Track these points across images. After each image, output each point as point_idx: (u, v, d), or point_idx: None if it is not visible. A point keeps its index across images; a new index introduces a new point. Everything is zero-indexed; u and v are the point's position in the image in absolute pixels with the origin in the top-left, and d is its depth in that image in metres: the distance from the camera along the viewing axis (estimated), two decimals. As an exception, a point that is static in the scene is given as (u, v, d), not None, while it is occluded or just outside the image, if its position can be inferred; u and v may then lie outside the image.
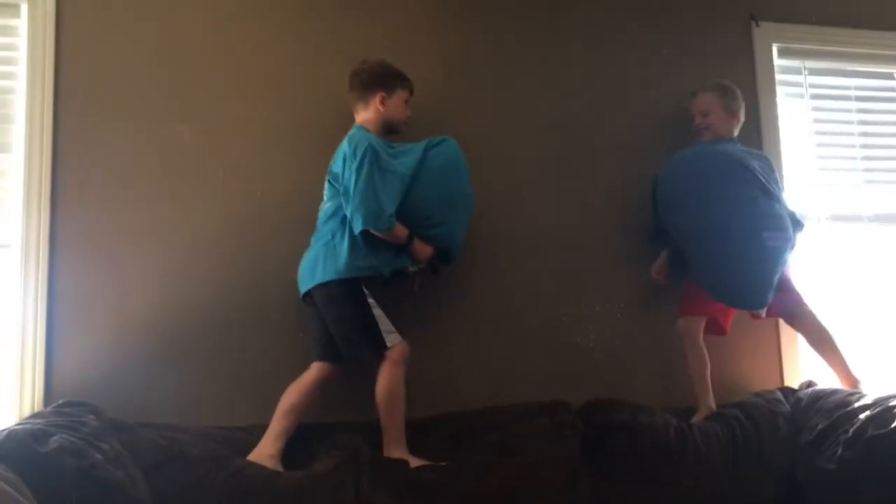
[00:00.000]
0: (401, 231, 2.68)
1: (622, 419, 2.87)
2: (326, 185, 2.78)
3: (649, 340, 3.21)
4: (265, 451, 2.59)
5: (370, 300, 2.65)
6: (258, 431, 2.65)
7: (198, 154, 2.89)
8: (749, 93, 3.40)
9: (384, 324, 2.65)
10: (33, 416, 2.46)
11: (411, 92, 2.88)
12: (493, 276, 3.12)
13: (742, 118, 3.19)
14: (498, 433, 2.79)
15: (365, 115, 2.83)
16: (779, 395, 3.09)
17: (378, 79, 2.83)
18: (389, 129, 2.86)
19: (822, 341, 3.08)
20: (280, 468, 2.57)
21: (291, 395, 2.66)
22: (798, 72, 3.61)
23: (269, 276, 2.88)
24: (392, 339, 2.65)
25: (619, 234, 3.25)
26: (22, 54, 2.76)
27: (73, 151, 2.78)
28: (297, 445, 2.66)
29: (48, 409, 2.48)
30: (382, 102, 2.81)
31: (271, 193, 2.94)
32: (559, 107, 3.26)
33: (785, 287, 3.03)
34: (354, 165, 2.62)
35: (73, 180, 2.77)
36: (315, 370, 2.69)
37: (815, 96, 3.63)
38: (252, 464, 2.54)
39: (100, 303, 2.77)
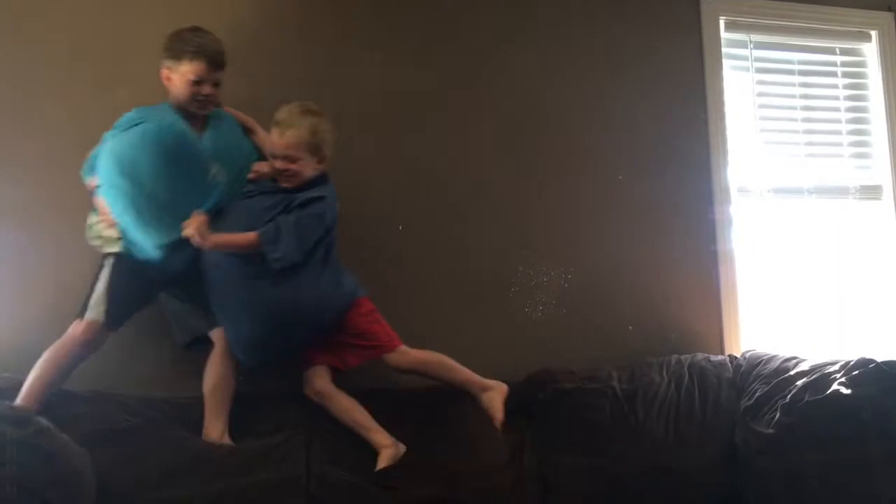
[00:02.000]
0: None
1: (563, 389, 2.89)
2: None
3: (591, 310, 3.25)
4: (210, 435, 2.56)
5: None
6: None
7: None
8: (696, 66, 3.44)
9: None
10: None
11: (203, 59, 2.47)
12: (435, 244, 3.12)
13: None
14: (439, 406, 2.80)
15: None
16: (726, 359, 3.14)
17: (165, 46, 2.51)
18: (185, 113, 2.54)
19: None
20: (228, 441, 2.56)
21: (208, 377, 2.63)
22: (744, 45, 3.65)
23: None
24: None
25: (567, 203, 3.28)
26: None
27: None
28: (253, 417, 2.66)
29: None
30: (168, 77, 2.52)
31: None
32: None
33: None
34: None
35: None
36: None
37: (759, 70, 3.68)
38: (196, 436, 2.52)
39: (37, 274, 2.71)
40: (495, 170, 3.22)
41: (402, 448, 2.64)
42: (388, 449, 2.62)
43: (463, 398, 2.79)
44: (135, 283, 2.50)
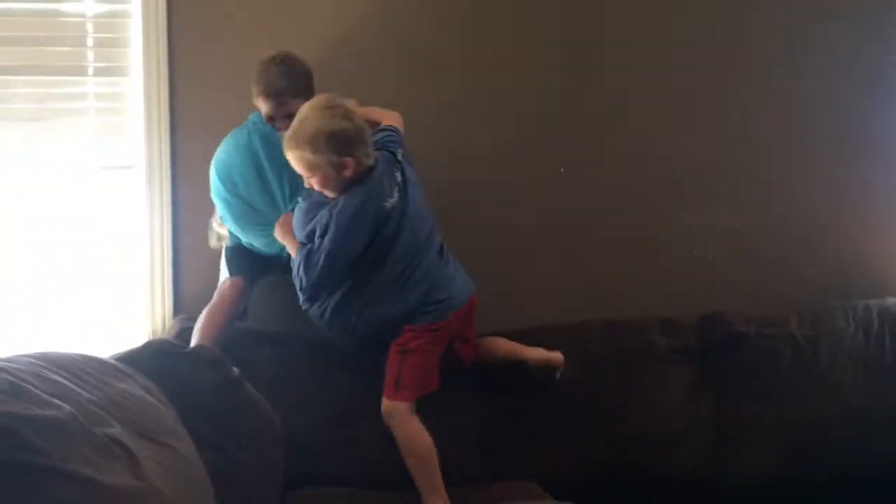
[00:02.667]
0: None
1: (741, 332, 2.81)
2: None
3: (766, 253, 3.11)
4: None
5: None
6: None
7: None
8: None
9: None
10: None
11: (269, 98, 2.45)
12: (600, 188, 3.04)
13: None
14: (614, 347, 2.77)
15: None
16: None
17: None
18: None
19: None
20: None
21: None
22: None
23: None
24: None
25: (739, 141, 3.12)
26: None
27: (189, 74, 2.79)
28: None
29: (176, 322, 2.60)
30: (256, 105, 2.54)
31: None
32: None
33: None
34: None
35: (191, 103, 2.78)
36: None
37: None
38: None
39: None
40: (660, 108, 3.07)
41: None
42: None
43: (641, 336, 2.79)
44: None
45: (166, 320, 2.74)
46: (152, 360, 2.04)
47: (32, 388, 1.50)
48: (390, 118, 2.57)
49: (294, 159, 2.33)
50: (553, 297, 2.96)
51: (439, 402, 2.56)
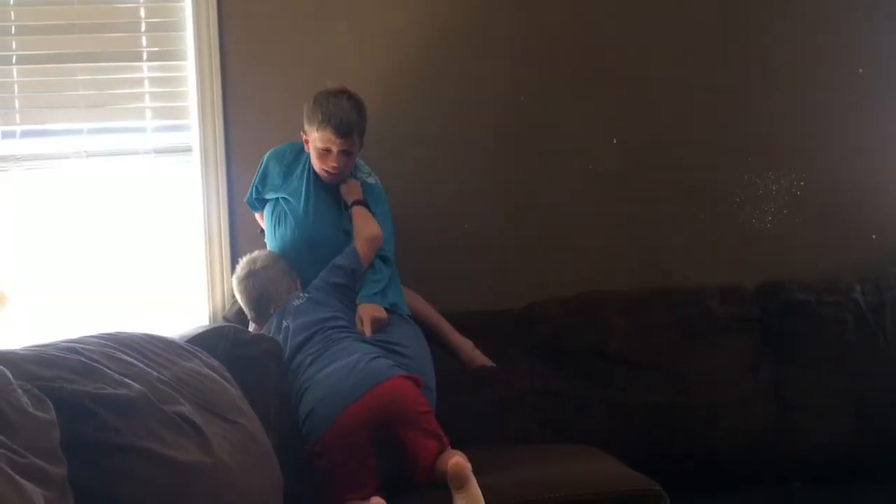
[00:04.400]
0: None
1: (801, 300, 2.77)
2: None
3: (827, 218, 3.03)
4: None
5: None
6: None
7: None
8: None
9: None
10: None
11: (337, 131, 2.40)
12: (651, 155, 3.00)
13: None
14: (672, 316, 2.75)
15: None
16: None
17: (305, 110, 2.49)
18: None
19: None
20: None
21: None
22: None
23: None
24: None
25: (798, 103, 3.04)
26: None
27: (240, 57, 2.81)
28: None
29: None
30: (305, 140, 2.52)
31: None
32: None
33: None
34: None
35: (242, 86, 2.81)
36: None
37: None
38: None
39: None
40: (719, 68, 3.01)
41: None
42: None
43: (700, 304, 2.76)
44: None
45: (226, 301, 2.79)
46: (221, 345, 2.09)
47: (104, 369, 1.54)
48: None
49: None
50: (610, 265, 2.94)
51: (498, 371, 2.59)
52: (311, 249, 2.51)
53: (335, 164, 2.45)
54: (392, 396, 2.12)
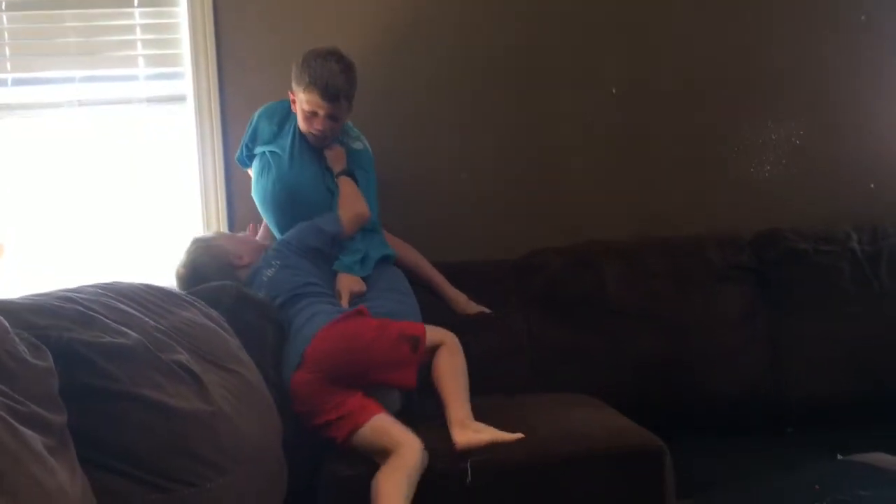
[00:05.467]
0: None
1: (798, 248, 2.77)
2: None
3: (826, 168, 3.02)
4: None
5: None
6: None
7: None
8: None
9: None
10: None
11: (324, 94, 2.34)
12: (647, 104, 2.98)
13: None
14: (669, 265, 2.75)
15: None
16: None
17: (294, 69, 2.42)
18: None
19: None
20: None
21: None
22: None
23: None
24: None
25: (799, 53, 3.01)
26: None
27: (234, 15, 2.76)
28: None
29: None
30: (293, 100, 2.46)
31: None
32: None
33: None
34: None
35: (236, 32, 2.77)
36: None
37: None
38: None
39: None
40: (716, 21, 2.98)
41: None
42: None
43: (697, 253, 2.77)
44: None
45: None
46: (225, 301, 2.09)
47: (101, 317, 1.54)
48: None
49: None
50: (608, 215, 2.94)
51: (494, 320, 2.60)
52: (292, 202, 2.49)
53: (320, 128, 2.41)
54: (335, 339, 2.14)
